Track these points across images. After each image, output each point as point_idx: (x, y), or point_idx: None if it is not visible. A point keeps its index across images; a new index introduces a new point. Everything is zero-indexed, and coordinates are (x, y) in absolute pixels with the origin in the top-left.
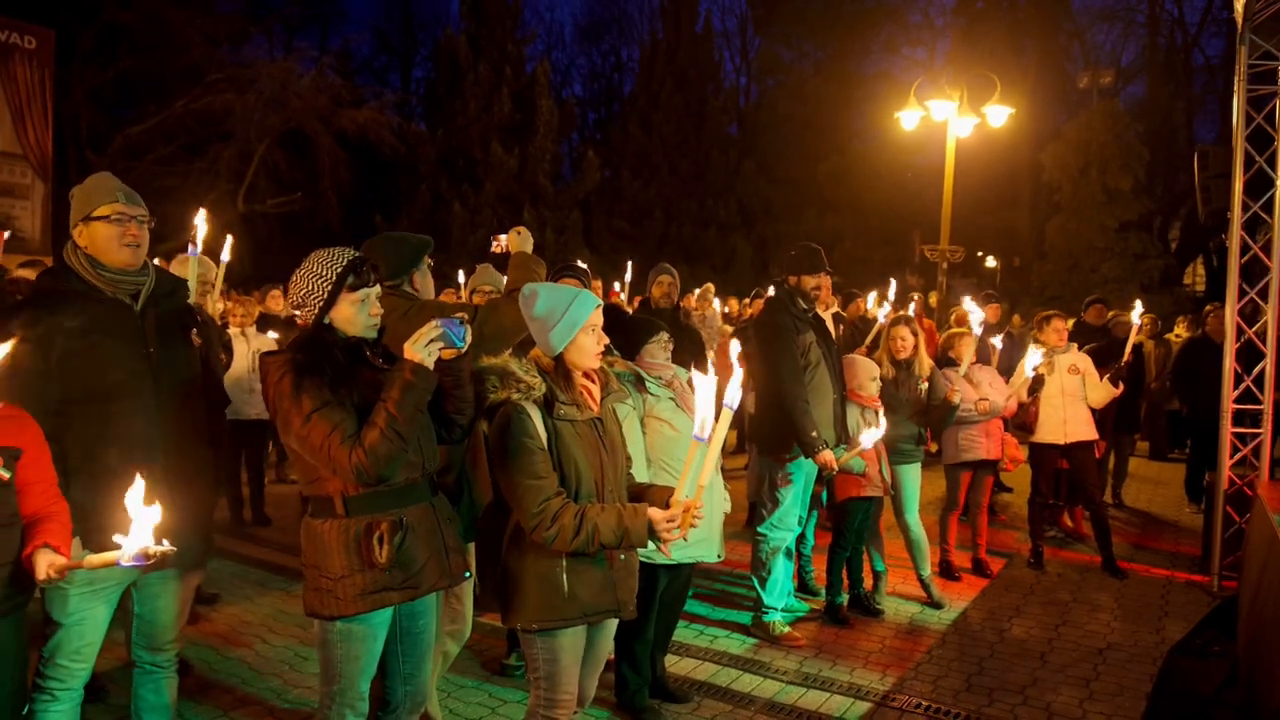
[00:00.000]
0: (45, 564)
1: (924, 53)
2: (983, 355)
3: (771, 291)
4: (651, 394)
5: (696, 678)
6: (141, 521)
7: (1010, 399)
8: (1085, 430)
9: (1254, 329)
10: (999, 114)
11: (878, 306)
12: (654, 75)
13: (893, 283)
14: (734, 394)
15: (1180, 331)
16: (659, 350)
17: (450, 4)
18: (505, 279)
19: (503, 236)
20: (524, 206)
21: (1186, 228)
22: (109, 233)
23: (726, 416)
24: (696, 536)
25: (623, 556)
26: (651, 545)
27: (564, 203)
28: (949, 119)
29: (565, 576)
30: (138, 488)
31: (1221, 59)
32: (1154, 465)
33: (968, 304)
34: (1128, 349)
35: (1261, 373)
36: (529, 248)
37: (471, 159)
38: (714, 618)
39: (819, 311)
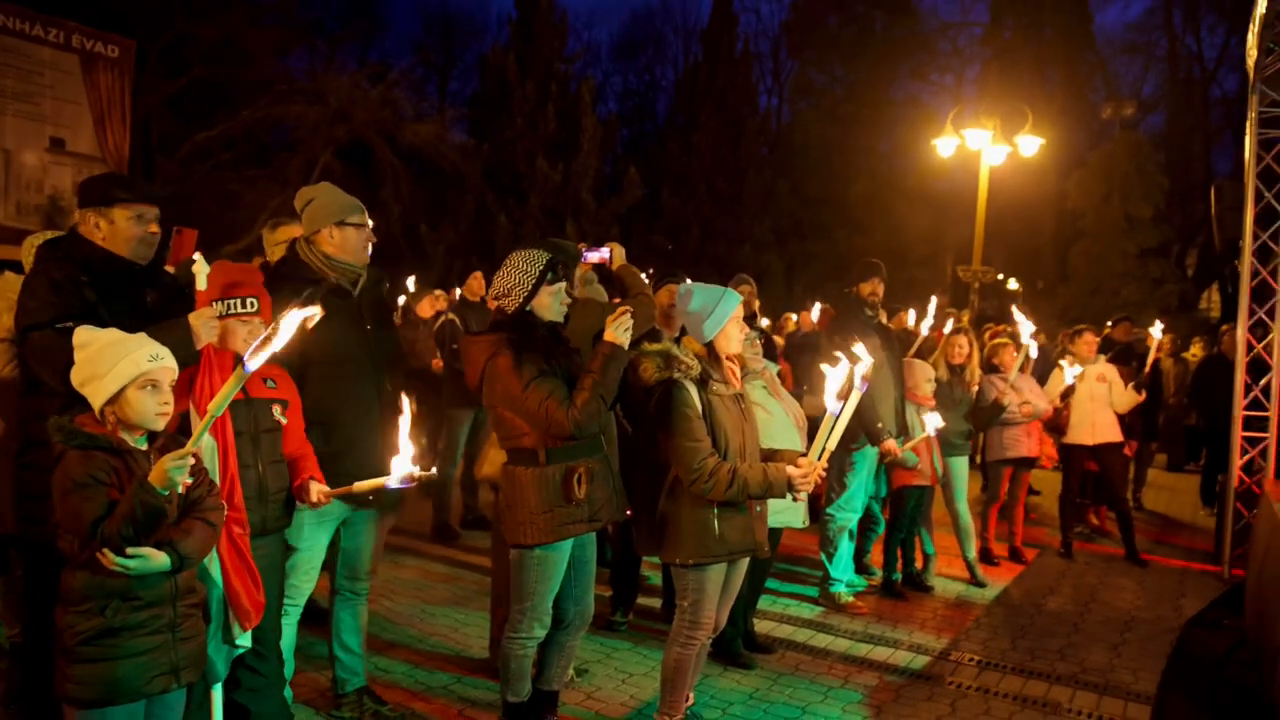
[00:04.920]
0: (316, 490)
1: (952, 79)
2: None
3: (818, 307)
4: (748, 383)
5: (777, 635)
6: (407, 449)
7: (1049, 403)
8: (1111, 433)
9: (1262, 344)
10: (1030, 144)
11: (919, 322)
12: (693, 97)
13: (933, 300)
14: (861, 382)
15: (1196, 351)
16: (749, 347)
17: (490, 20)
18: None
19: (603, 250)
20: (566, 220)
21: (1203, 255)
22: (361, 238)
23: (855, 396)
24: (783, 505)
25: (758, 508)
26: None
27: (604, 218)
28: (983, 148)
29: (716, 521)
30: (405, 421)
31: (1238, 95)
32: (1170, 475)
33: (1018, 315)
34: (1149, 360)
35: (1269, 384)
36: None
37: (517, 173)
38: (783, 590)
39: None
